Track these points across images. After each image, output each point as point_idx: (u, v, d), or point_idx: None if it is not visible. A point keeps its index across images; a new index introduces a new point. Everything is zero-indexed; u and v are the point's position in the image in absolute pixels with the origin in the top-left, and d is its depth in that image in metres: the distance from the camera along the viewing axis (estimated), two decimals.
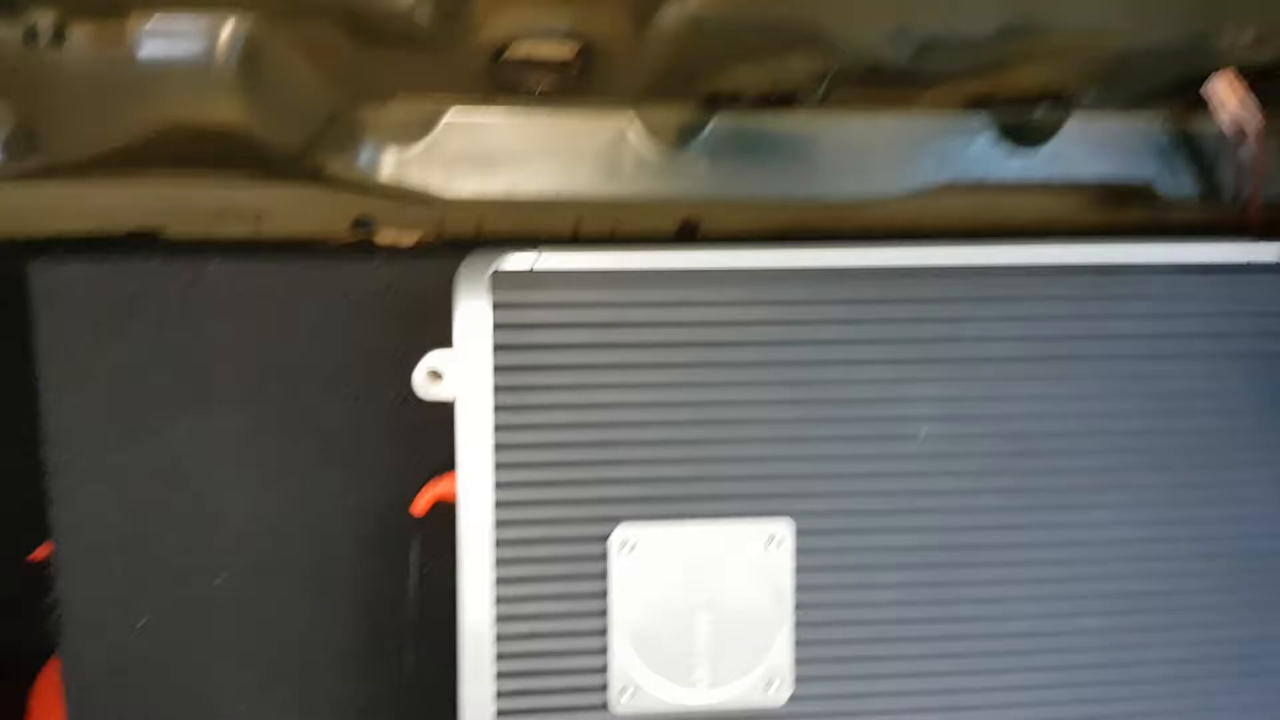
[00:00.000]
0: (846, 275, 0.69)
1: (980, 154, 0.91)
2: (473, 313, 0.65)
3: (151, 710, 0.81)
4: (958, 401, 0.69)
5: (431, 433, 0.79)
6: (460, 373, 0.65)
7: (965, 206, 0.98)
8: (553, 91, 0.78)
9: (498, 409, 0.65)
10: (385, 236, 0.85)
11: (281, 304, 0.79)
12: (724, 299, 0.68)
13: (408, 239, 0.85)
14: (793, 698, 0.69)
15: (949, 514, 0.70)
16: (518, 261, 0.66)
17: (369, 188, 0.83)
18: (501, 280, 0.66)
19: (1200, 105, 0.86)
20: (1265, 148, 0.88)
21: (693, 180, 0.88)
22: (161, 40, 0.68)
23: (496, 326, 0.65)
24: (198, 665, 0.81)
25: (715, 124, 0.87)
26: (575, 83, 0.77)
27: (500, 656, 0.67)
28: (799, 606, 0.69)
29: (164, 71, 0.69)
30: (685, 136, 0.87)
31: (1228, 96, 0.82)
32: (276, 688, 0.81)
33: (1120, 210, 1.02)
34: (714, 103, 0.84)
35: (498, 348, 0.65)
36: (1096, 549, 0.71)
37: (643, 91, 0.82)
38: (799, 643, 0.69)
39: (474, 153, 0.84)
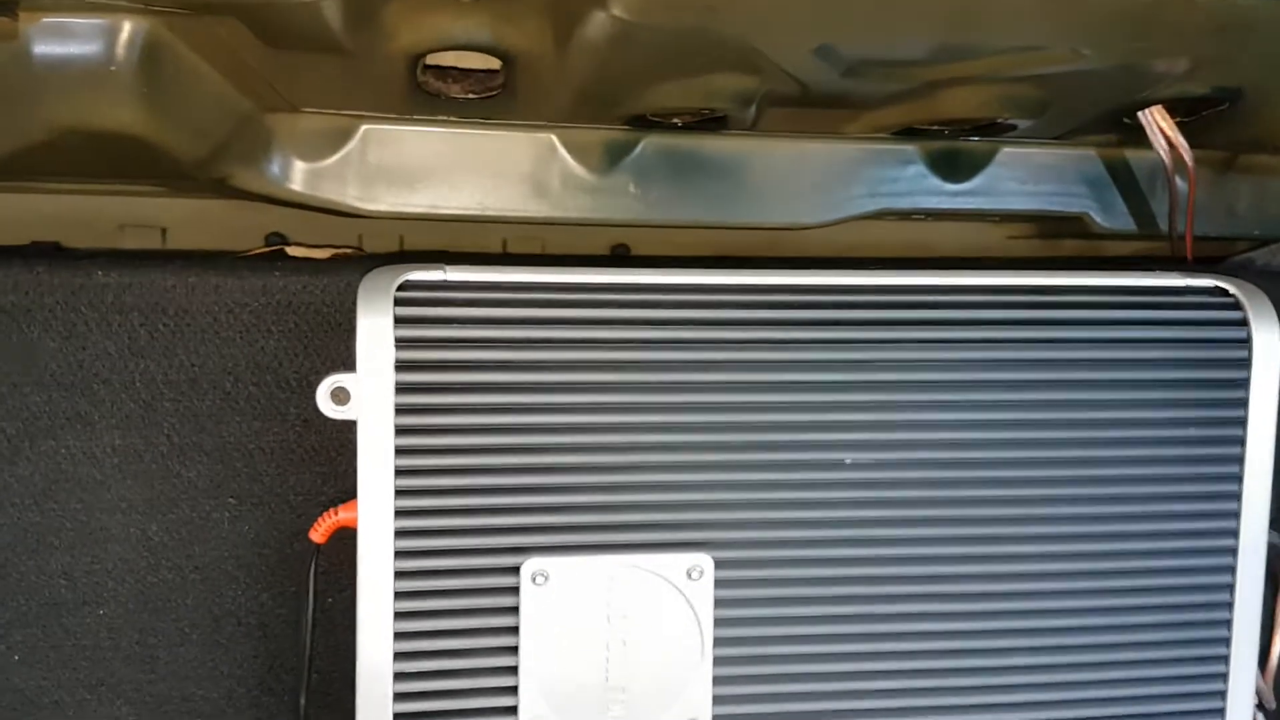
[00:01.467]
0: (770, 296, 0.67)
1: (912, 183, 0.90)
2: (375, 329, 0.62)
3: None
4: (884, 429, 0.67)
5: (337, 455, 0.77)
6: (361, 393, 0.62)
7: (897, 235, 0.98)
8: (475, 102, 0.76)
9: (399, 431, 0.62)
10: (297, 251, 0.82)
11: (176, 316, 0.75)
12: (642, 318, 0.65)
13: (321, 254, 0.82)
14: None
15: (874, 545, 0.68)
16: (424, 275, 0.63)
17: (280, 201, 0.80)
18: (406, 295, 0.63)
19: (1134, 138, 0.86)
20: (1197, 181, 0.88)
21: (623, 202, 0.86)
22: (55, 40, 0.65)
23: (399, 344, 0.62)
24: (80, 703, 0.76)
25: (645, 145, 0.85)
26: (499, 99, 0.75)
27: (400, 696, 0.63)
28: (718, 642, 0.66)
29: (59, 73, 0.66)
30: (614, 157, 0.85)
31: (1160, 129, 0.82)
32: None
33: (1054, 241, 1.03)
34: (643, 123, 0.82)
35: (400, 366, 0.62)
36: (1026, 581, 0.69)
37: (569, 109, 0.80)
38: (718, 680, 0.67)
39: (393, 167, 0.81)
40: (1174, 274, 0.72)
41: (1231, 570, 0.71)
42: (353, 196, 0.81)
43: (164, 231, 0.86)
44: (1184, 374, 0.70)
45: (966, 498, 0.68)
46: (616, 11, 0.62)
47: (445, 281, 0.64)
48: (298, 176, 0.79)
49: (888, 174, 0.89)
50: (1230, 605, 0.71)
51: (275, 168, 0.79)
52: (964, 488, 0.68)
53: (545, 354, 0.64)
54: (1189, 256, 0.92)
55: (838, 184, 0.89)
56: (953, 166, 0.90)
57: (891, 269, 0.70)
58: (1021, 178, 0.92)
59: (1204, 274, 0.72)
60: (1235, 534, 0.70)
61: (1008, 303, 0.69)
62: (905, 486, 0.68)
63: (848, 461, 0.67)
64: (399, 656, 0.63)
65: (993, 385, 0.68)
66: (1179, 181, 0.89)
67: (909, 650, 0.69)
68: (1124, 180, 0.95)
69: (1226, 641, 0.71)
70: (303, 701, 0.70)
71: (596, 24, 0.64)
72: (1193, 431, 0.70)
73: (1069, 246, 1.04)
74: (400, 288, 0.63)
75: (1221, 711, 0.71)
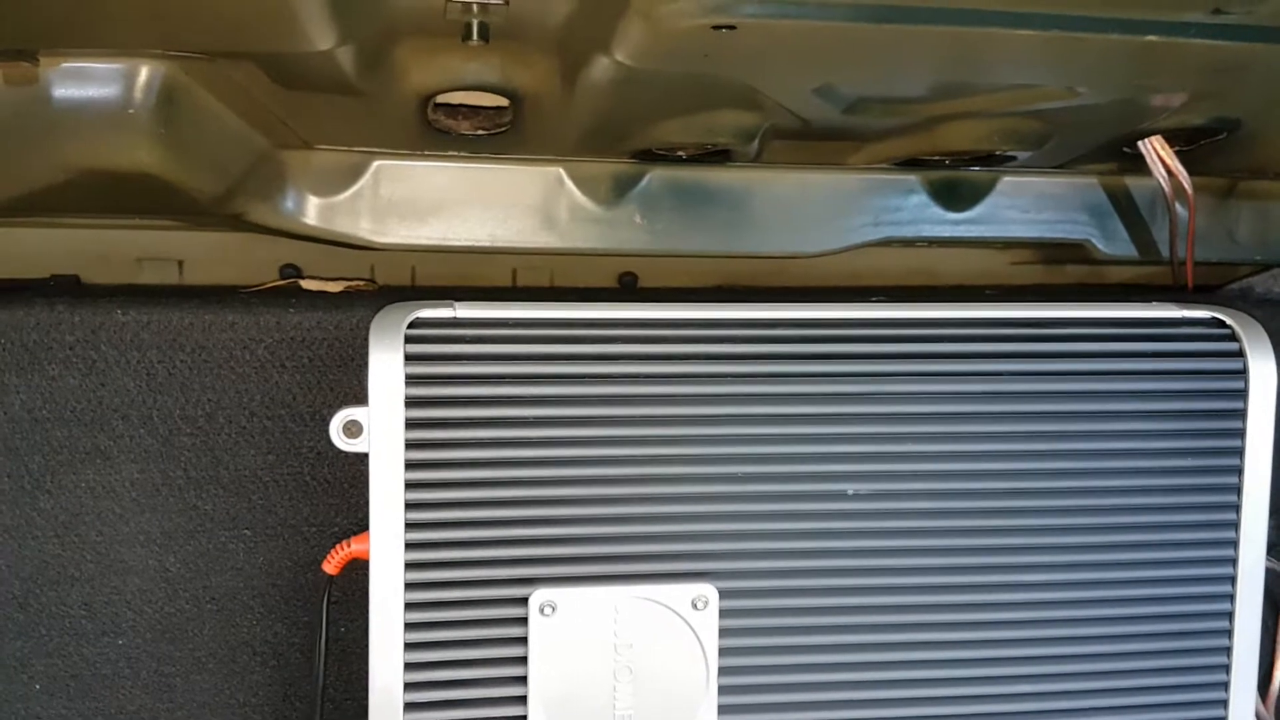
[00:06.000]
0: (774, 330, 0.68)
1: (915, 212, 0.91)
2: (386, 365, 0.63)
3: None
4: (885, 460, 0.68)
5: (350, 487, 0.78)
6: (373, 427, 0.63)
7: (901, 262, 0.98)
8: (485, 138, 0.77)
9: (410, 465, 0.63)
10: (310, 284, 0.84)
11: (193, 352, 0.77)
12: (648, 353, 0.66)
13: (334, 286, 0.84)
14: None
15: (877, 575, 0.69)
16: (433, 312, 0.65)
17: (295, 235, 0.81)
18: (416, 333, 0.64)
19: (1135, 166, 0.86)
20: (1197, 208, 0.89)
21: (630, 233, 0.87)
22: (75, 83, 0.66)
23: (409, 380, 0.63)
24: None
25: (651, 178, 0.86)
26: (508, 135, 0.77)
27: None
28: (723, 670, 0.67)
29: (78, 115, 0.67)
30: (621, 189, 0.86)
31: (1160, 159, 0.83)
32: None
33: (1056, 268, 1.03)
34: (648, 156, 0.84)
35: (410, 402, 0.63)
36: (1028, 610, 0.70)
37: (576, 144, 0.81)
38: (723, 708, 0.67)
39: (404, 201, 0.83)
40: (1171, 305, 0.73)
41: (1230, 598, 0.71)
42: (365, 230, 0.82)
43: (181, 264, 0.87)
44: (1181, 405, 0.71)
45: (968, 528, 0.69)
46: (620, 57, 0.64)
47: (455, 319, 0.65)
48: (312, 211, 0.81)
49: (890, 203, 0.90)
50: (1230, 633, 0.71)
51: (290, 203, 0.80)
52: (965, 518, 0.69)
53: (553, 388, 0.65)
54: (1189, 283, 0.92)
55: (841, 213, 0.90)
56: (954, 196, 0.91)
57: (894, 298, 0.71)
58: (1023, 206, 0.93)
59: (1201, 305, 0.73)
60: (1234, 562, 0.71)
61: (1007, 335, 0.70)
62: (907, 517, 0.69)
63: (850, 493, 0.68)
64: (410, 687, 0.64)
65: (993, 417, 0.69)
66: (1179, 208, 0.90)
67: (912, 679, 0.69)
68: (1125, 207, 0.96)
69: (1226, 669, 0.72)
70: None
71: (601, 68, 0.66)
72: (1190, 461, 0.71)
73: (1072, 272, 1.04)
74: (411, 325, 0.64)
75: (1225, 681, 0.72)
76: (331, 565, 0.67)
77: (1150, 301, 0.74)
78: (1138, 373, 0.70)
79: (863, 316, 0.70)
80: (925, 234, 0.92)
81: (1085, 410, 0.70)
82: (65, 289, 0.81)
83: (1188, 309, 0.73)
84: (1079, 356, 0.70)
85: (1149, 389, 0.70)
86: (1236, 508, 0.71)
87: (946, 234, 0.92)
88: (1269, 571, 0.73)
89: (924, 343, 0.69)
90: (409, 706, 0.64)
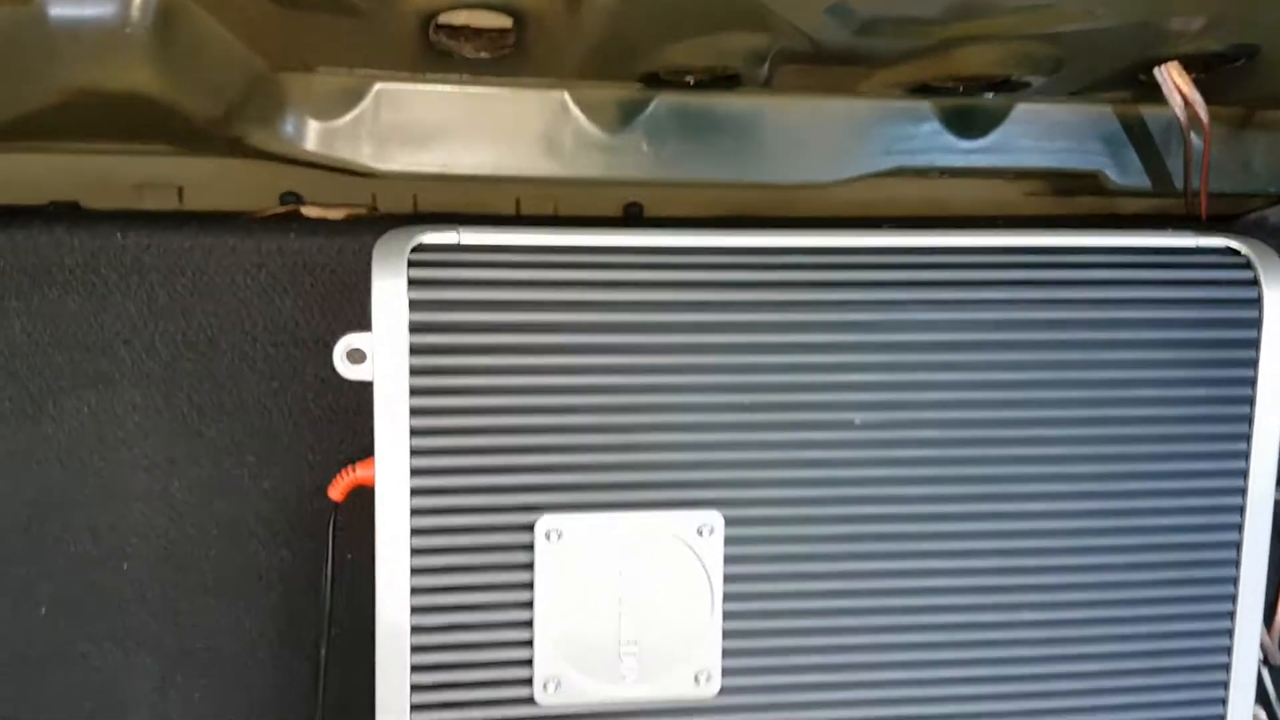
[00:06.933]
0: (782, 257, 0.67)
1: (927, 140, 0.89)
2: (389, 291, 0.62)
3: (56, 700, 0.78)
4: (893, 389, 0.68)
5: (354, 415, 0.77)
6: (376, 354, 0.62)
7: (911, 193, 0.97)
8: (488, 61, 0.76)
9: (414, 392, 0.63)
10: (312, 211, 0.82)
11: (194, 276, 0.76)
12: (654, 280, 0.66)
13: (335, 214, 0.83)
14: (722, 691, 0.68)
15: (884, 504, 0.68)
16: (437, 237, 0.64)
17: (295, 160, 0.80)
18: (419, 258, 0.63)
19: (1150, 94, 0.85)
20: (1212, 137, 0.87)
21: (635, 160, 0.86)
22: (71, 2, 0.65)
23: (413, 305, 0.63)
24: (105, 654, 0.78)
25: (657, 103, 0.85)
26: (511, 57, 0.75)
27: (417, 649, 0.65)
28: (728, 598, 0.67)
29: (74, 35, 0.66)
30: (627, 115, 0.85)
31: (1176, 86, 0.81)
32: (188, 678, 0.79)
33: (1068, 199, 1.02)
34: (655, 82, 0.82)
35: (414, 328, 0.63)
36: (1037, 539, 0.70)
37: (581, 68, 0.79)
38: (728, 635, 0.68)
39: (406, 126, 0.81)
40: (1185, 234, 0.72)
41: (1239, 528, 0.71)
42: (366, 156, 0.81)
43: (181, 191, 0.86)
44: (1194, 334, 0.70)
45: (975, 457, 0.69)
46: None
47: (458, 244, 0.65)
48: (312, 136, 0.79)
49: (902, 131, 0.89)
50: (1237, 563, 0.71)
51: (289, 127, 0.79)
52: (973, 447, 0.69)
53: (558, 315, 0.65)
54: (1203, 214, 0.91)
55: (852, 141, 0.88)
56: (967, 123, 0.90)
57: (904, 228, 0.70)
58: (1036, 134, 0.91)
59: (1215, 234, 0.72)
60: (1243, 492, 0.71)
61: (1018, 263, 0.69)
62: (914, 446, 0.68)
63: (857, 422, 0.68)
64: (416, 611, 0.64)
65: (1002, 345, 0.68)
66: (1194, 138, 0.88)
67: (916, 606, 0.69)
68: (1139, 137, 0.94)
69: (1233, 598, 0.72)
70: (323, 653, 0.71)
71: None
72: (1202, 391, 0.70)
73: (1084, 204, 1.03)
74: (414, 250, 0.64)
75: (1226, 666, 0.72)
76: (336, 491, 0.67)
77: (1164, 231, 0.73)
78: (1150, 300, 0.70)
79: (872, 244, 0.69)
80: (937, 163, 0.90)
81: (1096, 339, 0.69)
82: (64, 213, 0.80)
83: (1202, 237, 0.72)
84: (1091, 284, 0.69)
85: (1161, 317, 0.70)
86: (1248, 438, 0.70)
87: (959, 163, 0.91)
88: (1277, 504, 0.72)
89: (934, 270, 0.68)
90: (415, 630, 0.64)
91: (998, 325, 0.68)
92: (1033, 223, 1.00)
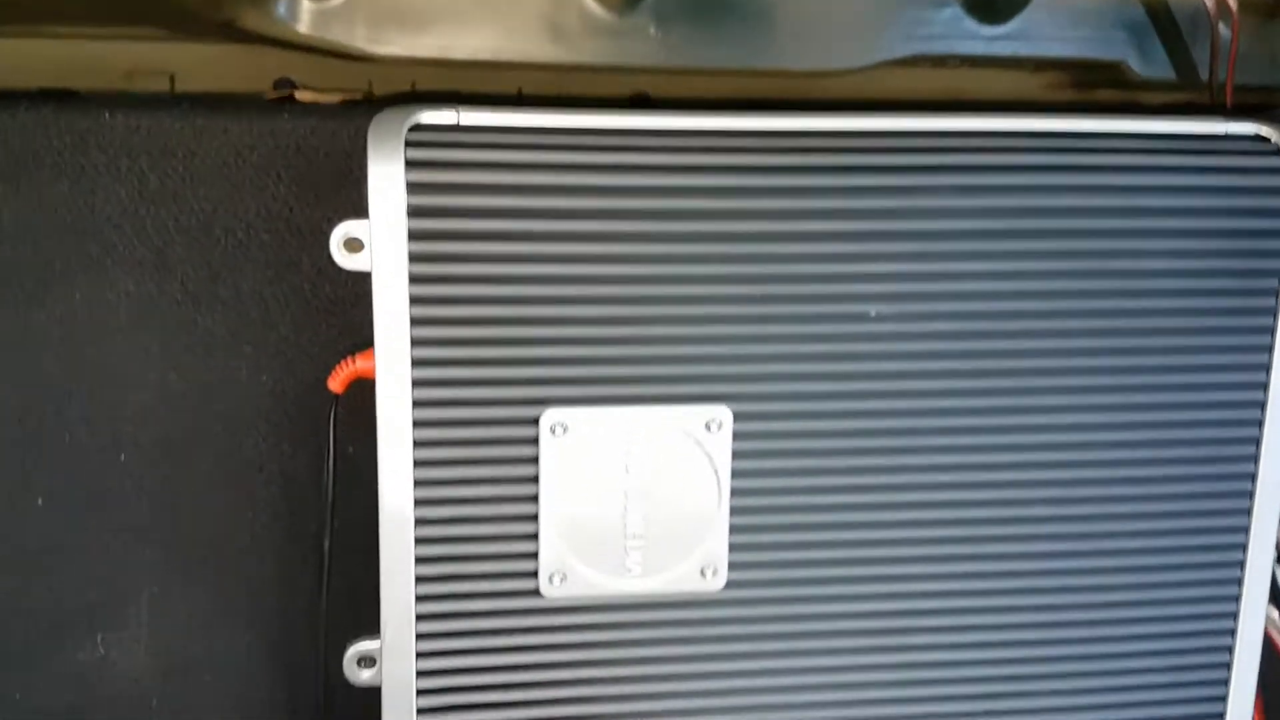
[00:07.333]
0: (794, 141, 0.65)
1: (946, 26, 0.86)
2: (386, 174, 0.60)
3: (55, 593, 0.78)
4: (910, 280, 0.66)
5: (353, 306, 0.76)
6: (374, 238, 0.60)
7: (928, 83, 0.94)
8: None
9: (414, 280, 0.61)
10: (305, 96, 0.80)
11: (185, 159, 0.73)
12: (664, 164, 0.63)
13: (330, 98, 0.80)
14: (728, 585, 0.67)
15: (899, 398, 0.67)
16: (436, 117, 0.61)
17: (288, 44, 0.77)
18: (417, 138, 0.61)
19: None
20: (1241, 28, 0.84)
21: (643, 46, 0.82)
22: None
23: (411, 188, 0.60)
24: (105, 547, 0.77)
25: None
26: None
27: (422, 541, 0.64)
28: (736, 494, 0.66)
29: None
30: None
31: None
32: (189, 571, 0.79)
33: (1091, 90, 0.99)
34: None
35: (413, 212, 0.60)
36: (1054, 434, 0.68)
37: None
38: (735, 530, 0.67)
39: (403, 7, 0.78)
40: (1213, 120, 0.70)
41: (1259, 424, 0.70)
42: (362, 38, 0.77)
43: (172, 78, 0.83)
44: (1220, 223, 0.68)
45: (994, 350, 0.67)
46: None
47: (458, 125, 0.62)
48: (305, 17, 0.76)
49: (921, 15, 0.85)
50: (1256, 458, 0.70)
51: (282, 8, 0.76)
52: (992, 340, 0.67)
53: (562, 201, 0.62)
54: (1229, 103, 0.88)
55: (868, 26, 0.85)
56: (989, 8, 0.86)
57: (922, 113, 0.68)
58: (1059, 21, 0.88)
59: (1244, 120, 0.69)
60: (1265, 387, 0.69)
61: (1041, 147, 0.67)
62: (931, 339, 0.67)
63: (873, 314, 0.66)
64: (420, 504, 0.64)
65: (1024, 234, 0.66)
66: (1222, 28, 0.85)
67: (927, 501, 0.68)
68: (1165, 26, 0.91)
69: (1250, 495, 0.71)
70: (327, 546, 0.71)
71: None
72: (1228, 282, 0.68)
73: (1105, 97, 1.00)
74: (411, 130, 0.61)
75: (1241, 564, 0.72)
76: (336, 383, 0.66)
77: (1190, 117, 0.70)
78: (1176, 188, 0.67)
79: (891, 127, 0.66)
80: (957, 50, 0.87)
81: (1120, 227, 0.67)
82: (51, 96, 0.77)
83: (1231, 123, 0.70)
84: (1115, 170, 0.67)
85: (1187, 205, 0.67)
86: (1272, 330, 0.69)
87: (979, 51, 0.87)
88: None
89: (955, 154, 0.66)
90: (420, 522, 0.64)
91: (1020, 213, 0.66)
92: (1053, 112, 0.97)
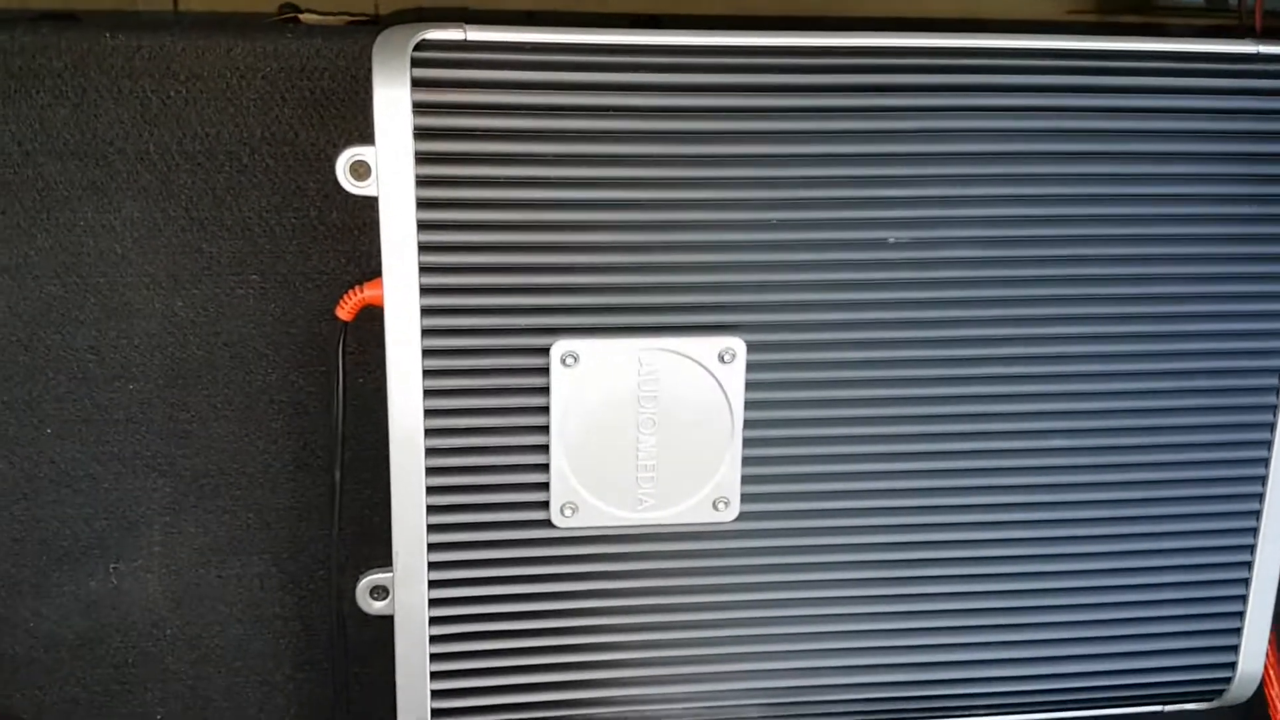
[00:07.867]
0: (811, 59, 0.63)
1: None
2: (391, 95, 0.58)
3: (66, 522, 0.78)
4: (930, 204, 0.64)
5: (360, 233, 0.75)
6: (380, 161, 0.59)
7: (947, 5, 0.92)
8: None
9: (421, 205, 0.60)
10: (310, 19, 0.78)
11: (187, 81, 0.71)
12: (676, 83, 0.61)
13: (335, 21, 0.78)
14: (740, 516, 0.67)
15: (915, 328, 0.66)
16: (442, 34, 0.59)
17: None
18: (423, 56, 0.59)
19: None
20: None
21: None
22: None
23: (418, 108, 0.59)
24: (115, 475, 0.77)
25: None
26: None
27: (433, 470, 0.64)
28: (749, 425, 0.66)
29: None
30: None
31: None
32: (200, 499, 0.78)
33: (1114, 14, 0.97)
34: None
35: (419, 134, 0.59)
36: (1075, 363, 0.67)
37: None
38: (747, 460, 0.66)
39: None
40: (1244, 41, 0.67)
41: None
42: None
43: (176, 1, 0.82)
44: (1249, 147, 0.66)
45: (1014, 277, 0.66)
46: None
47: (465, 41, 0.60)
48: None
49: None
50: (1278, 390, 0.69)
51: None
52: (1014, 267, 0.66)
53: (574, 122, 0.61)
54: (1258, 27, 0.86)
55: None
56: None
57: (941, 33, 0.65)
58: None
59: (1275, 42, 0.67)
60: None
61: (1066, 68, 0.65)
62: (950, 266, 0.65)
63: (891, 240, 0.64)
64: (431, 433, 0.63)
65: (1046, 157, 0.64)
66: None
67: (943, 433, 0.68)
68: None
69: (1272, 427, 0.70)
70: (337, 476, 0.70)
71: None
72: (1258, 208, 0.67)
73: (1130, 24, 0.98)
74: (417, 48, 0.59)
75: (1258, 509, 0.71)
76: (345, 311, 0.65)
77: (1220, 39, 0.68)
78: (1203, 110, 0.65)
79: (910, 45, 0.64)
80: None
81: (1147, 151, 0.65)
82: (50, 16, 0.75)
83: (1262, 44, 0.67)
84: (1142, 92, 0.65)
85: (1215, 128, 0.65)
86: None
87: None
88: None
89: (976, 74, 0.64)
90: (430, 452, 0.63)
91: (1042, 135, 0.64)
92: (1075, 31, 0.95)
